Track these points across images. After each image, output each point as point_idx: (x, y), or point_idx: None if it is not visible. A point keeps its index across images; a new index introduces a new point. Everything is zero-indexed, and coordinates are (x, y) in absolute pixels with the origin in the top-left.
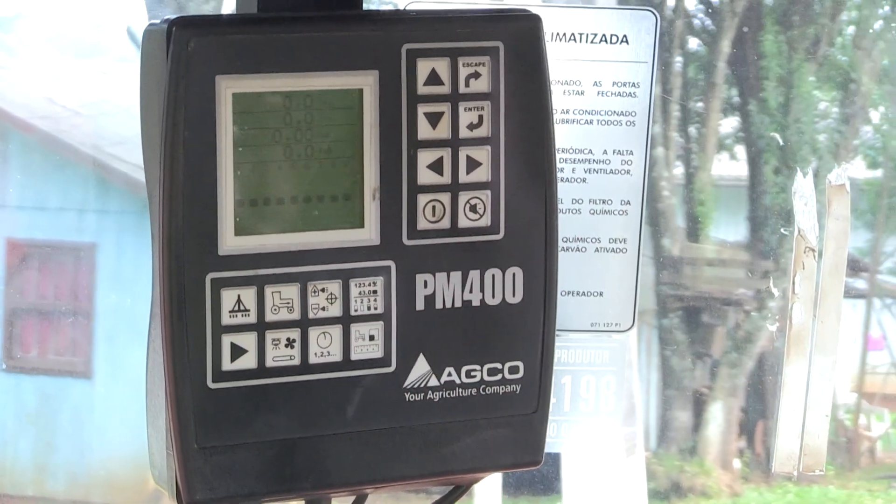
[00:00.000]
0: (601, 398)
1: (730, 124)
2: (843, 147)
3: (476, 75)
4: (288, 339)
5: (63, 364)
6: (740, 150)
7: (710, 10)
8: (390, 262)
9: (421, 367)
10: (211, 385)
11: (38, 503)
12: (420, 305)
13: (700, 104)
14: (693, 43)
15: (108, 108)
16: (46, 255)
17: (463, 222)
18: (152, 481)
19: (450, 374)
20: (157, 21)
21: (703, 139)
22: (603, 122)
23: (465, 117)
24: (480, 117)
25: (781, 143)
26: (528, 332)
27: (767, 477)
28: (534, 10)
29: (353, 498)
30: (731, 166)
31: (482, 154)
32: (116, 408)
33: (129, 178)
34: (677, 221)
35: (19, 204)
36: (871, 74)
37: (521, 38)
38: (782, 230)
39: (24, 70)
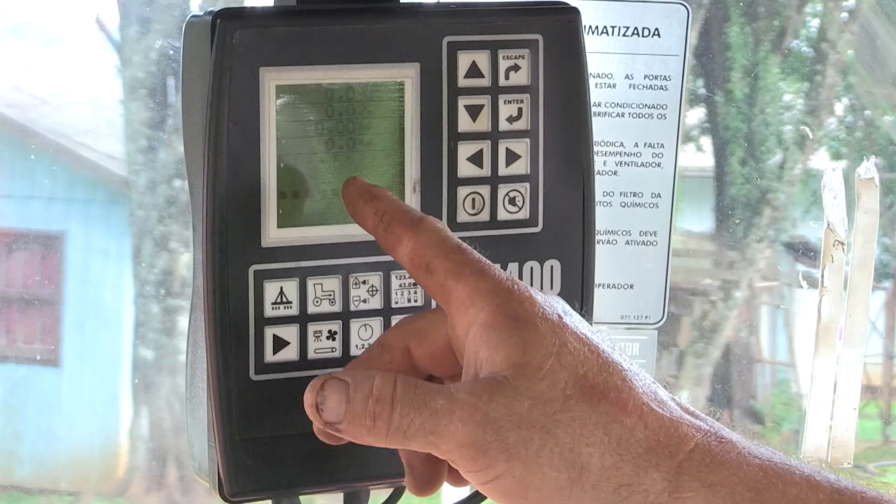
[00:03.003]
0: None
1: (696, 115)
2: (808, 138)
3: (516, 68)
4: (329, 332)
5: (31, 352)
6: (706, 142)
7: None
8: None
9: None
10: (253, 377)
11: (5, 491)
12: None
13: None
14: None
15: (76, 97)
16: (14, 243)
17: (502, 215)
18: (121, 469)
19: None
20: (200, 13)
21: None
22: (634, 115)
23: (505, 110)
24: (520, 110)
25: (811, 136)
26: None
27: None
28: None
29: (390, 491)
30: (697, 157)
31: (521, 147)
32: (85, 396)
33: (98, 166)
34: None
35: None
36: (836, 66)
37: (561, 31)
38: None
39: None
